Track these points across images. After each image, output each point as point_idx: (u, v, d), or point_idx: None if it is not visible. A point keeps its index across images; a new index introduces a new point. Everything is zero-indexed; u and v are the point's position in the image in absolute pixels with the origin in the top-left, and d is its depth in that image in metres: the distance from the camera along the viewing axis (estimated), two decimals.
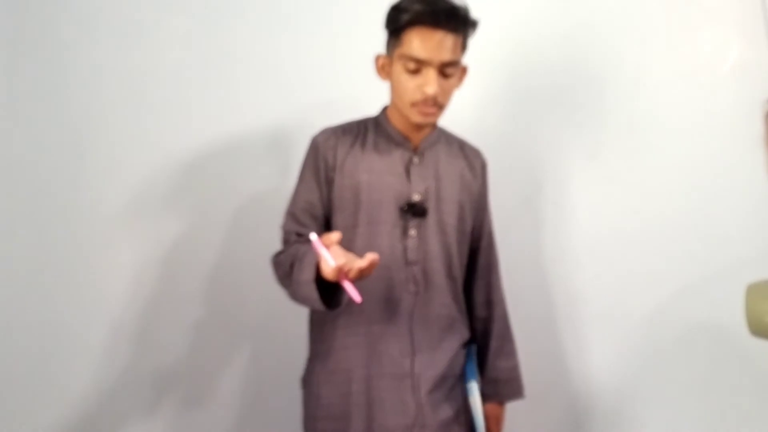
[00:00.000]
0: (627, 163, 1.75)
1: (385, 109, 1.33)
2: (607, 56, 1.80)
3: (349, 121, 1.34)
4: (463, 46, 1.23)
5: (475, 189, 1.35)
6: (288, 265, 1.20)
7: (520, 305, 1.48)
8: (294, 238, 1.26)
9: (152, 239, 1.63)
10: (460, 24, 1.19)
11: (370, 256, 1.05)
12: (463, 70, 1.28)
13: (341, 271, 1.05)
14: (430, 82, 1.17)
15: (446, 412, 1.21)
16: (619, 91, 1.79)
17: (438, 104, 1.21)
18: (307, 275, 1.12)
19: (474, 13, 1.23)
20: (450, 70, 1.19)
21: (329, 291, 1.14)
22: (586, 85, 1.79)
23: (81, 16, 1.67)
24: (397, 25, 1.19)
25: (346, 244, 1.21)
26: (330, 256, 1.06)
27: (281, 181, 1.65)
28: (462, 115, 1.73)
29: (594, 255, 1.73)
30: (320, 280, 1.11)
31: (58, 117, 1.63)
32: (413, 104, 1.20)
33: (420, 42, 1.16)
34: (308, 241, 1.20)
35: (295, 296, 1.19)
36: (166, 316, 1.62)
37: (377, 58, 1.27)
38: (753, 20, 1.78)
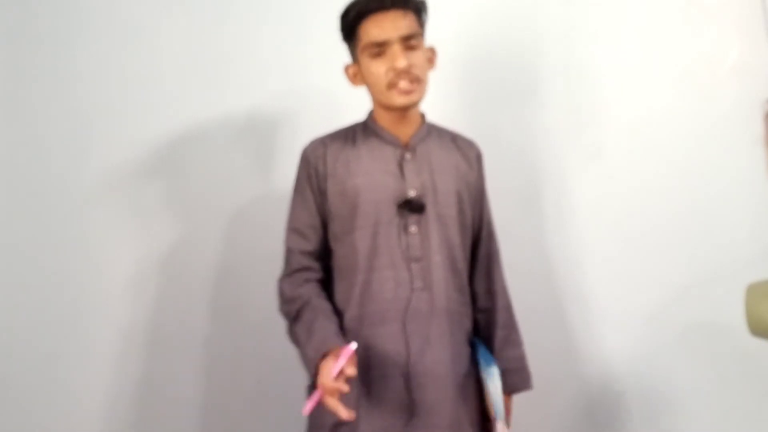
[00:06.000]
0: (627, 163, 1.75)
1: (371, 112, 1.33)
2: (607, 56, 1.80)
3: (336, 129, 1.34)
4: (420, 22, 1.26)
5: (471, 180, 1.34)
6: (294, 311, 1.22)
7: (520, 304, 1.48)
8: (298, 257, 1.27)
9: (150, 239, 1.64)
10: (405, 1, 1.22)
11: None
12: (432, 51, 1.30)
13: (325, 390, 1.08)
14: (397, 57, 1.19)
15: (456, 410, 1.20)
16: (619, 90, 1.78)
17: (414, 78, 1.21)
18: (311, 353, 1.15)
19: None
20: (413, 42, 1.21)
21: None
22: (586, 85, 1.79)
23: (80, 15, 1.67)
24: (349, 25, 1.24)
25: (349, 249, 1.23)
26: (338, 369, 1.07)
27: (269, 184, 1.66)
28: (461, 115, 1.73)
29: (593, 255, 1.73)
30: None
31: (56, 115, 1.63)
32: (390, 86, 1.21)
33: (374, 27, 1.20)
34: (316, 280, 1.26)
35: (293, 343, 1.23)
36: (170, 317, 1.63)
37: (347, 68, 1.30)
38: (753, 20, 1.78)
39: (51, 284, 1.58)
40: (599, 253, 1.73)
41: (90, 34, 1.67)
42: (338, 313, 1.24)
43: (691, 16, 1.80)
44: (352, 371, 1.06)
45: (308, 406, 1.09)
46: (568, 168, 1.77)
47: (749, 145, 1.39)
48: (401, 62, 1.19)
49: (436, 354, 1.21)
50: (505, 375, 1.29)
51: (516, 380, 1.32)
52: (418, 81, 1.22)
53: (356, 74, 1.28)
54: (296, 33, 1.71)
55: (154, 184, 1.66)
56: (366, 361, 1.19)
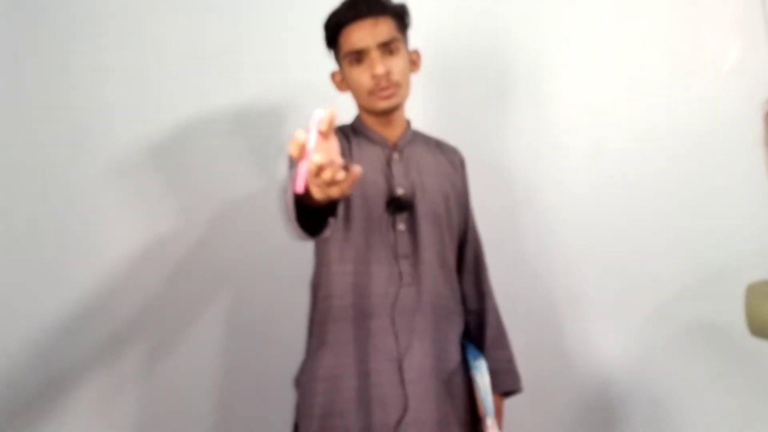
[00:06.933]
0: (626, 163, 1.75)
1: (358, 115, 1.35)
2: (606, 56, 1.80)
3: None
4: (401, 26, 1.27)
5: (457, 183, 1.37)
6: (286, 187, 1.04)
7: (520, 304, 1.48)
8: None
9: (150, 234, 1.64)
10: (380, 7, 1.24)
11: (355, 169, 0.87)
12: (416, 54, 1.33)
13: (321, 168, 0.83)
14: (375, 64, 1.22)
15: (443, 406, 1.20)
16: (619, 91, 1.78)
17: (394, 83, 1.24)
18: (291, 185, 0.97)
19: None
20: (392, 47, 1.24)
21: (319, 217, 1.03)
22: (586, 85, 1.79)
23: (80, 13, 1.67)
24: (330, 34, 1.27)
25: (340, 244, 1.24)
26: (314, 139, 0.84)
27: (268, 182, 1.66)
28: (460, 117, 1.74)
29: (593, 255, 1.73)
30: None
31: (56, 110, 1.64)
32: (370, 92, 1.24)
33: (353, 35, 1.23)
34: None
35: (285, 216, 1.03)
36: (160, 311, 1.63)
37: (333, 75, 1.32)
38: (753, 20, 1.79)
39: (49, 280, 1.58)
40: (598, 253, 1.73)
41: (90, 29, 1.68)
42: (324, 299, 1.24)
43: (691, 16, 1.80)
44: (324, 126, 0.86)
45: (299, 181, 0.85)
46: (567, 167, 1.77)
47: (749, 145, 1.39)
48: (379, 69, 1.21)
49: (422, 348, 1.21)
50: (495, 376, 1.31)
51: (506, 381, 1.34)
52: (397, 85, 1.25)
53: (342, 81, 1.31)
54: (297, 27, 1.70)
55: (155, 179, 1.67)
56: (360, 354, 1.20)
